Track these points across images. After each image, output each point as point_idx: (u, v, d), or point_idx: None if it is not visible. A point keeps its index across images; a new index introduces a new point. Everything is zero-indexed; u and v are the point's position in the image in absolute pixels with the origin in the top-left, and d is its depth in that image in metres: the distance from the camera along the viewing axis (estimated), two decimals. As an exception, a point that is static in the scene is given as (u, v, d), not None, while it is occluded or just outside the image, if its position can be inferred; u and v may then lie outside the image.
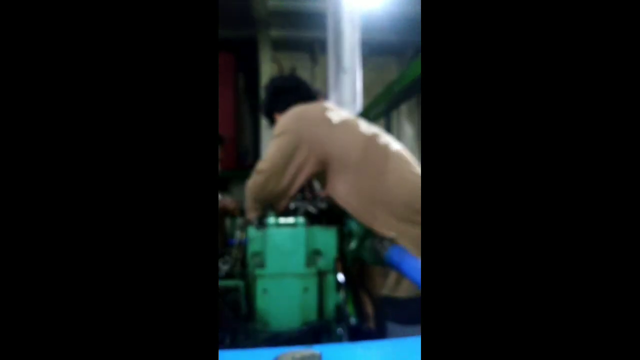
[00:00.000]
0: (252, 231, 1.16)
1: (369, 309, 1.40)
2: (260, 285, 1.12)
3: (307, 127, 1.33)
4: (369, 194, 1.27)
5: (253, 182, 1.34)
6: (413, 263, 1.02)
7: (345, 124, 1.35)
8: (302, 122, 1.35)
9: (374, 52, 5.40)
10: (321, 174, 1.35)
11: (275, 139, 1.34)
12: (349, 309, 1.28)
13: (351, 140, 1.32)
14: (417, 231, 1.22)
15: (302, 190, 1.45)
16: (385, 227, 1.22)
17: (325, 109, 1.39)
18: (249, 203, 1.37)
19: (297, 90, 1.55)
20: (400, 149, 1.39)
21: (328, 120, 1.34)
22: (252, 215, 1.33)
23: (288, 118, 1.37)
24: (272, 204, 1.35)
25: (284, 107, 1.49)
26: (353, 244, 1.28)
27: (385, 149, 1.34)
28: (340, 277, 1.20)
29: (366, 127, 1.39)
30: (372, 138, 1.35)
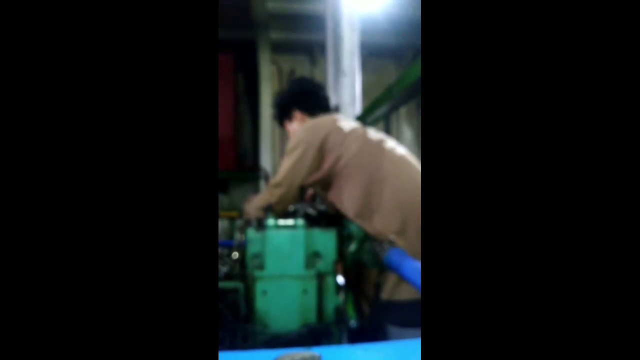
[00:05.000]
0: (252, 233, 1.16)
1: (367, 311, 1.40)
2: (259, 287, 1.11)
3: (319, 136, 1.37)
4: (376, 198, 1.30)
5: (271, 195, 1.38)
6: (412, 265, 1.02)
7: (355, 132, 1.40)
8: (314, 133, 1.39)
9: (373, 54, 5.41)
10: (325, 180, 1.37)
11: (289, 154, 1.39)
12: (349, 311, 1.28)
13: (361, 146, 1.36)
14: (417, 236, 1.24)
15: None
16: (388, 231, 1.23)
17: (335, 120, 1.45)
18: (253, 209, 1.39)
19: (319, 98, 1.63)
20: (405, 153, 1.43)
21: (340, 129, 1.39)
22: (255, 214, 1.35)
23: (300, 132, 1.43)
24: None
25: (303, 107, 1.57)
26: (352, 246, 1.28)
27: (391, 153, 1.38)
28: (340, 279, 1.20)
29: (374, 133, 1.45)
30: (380, 144, 1.40)
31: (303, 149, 1.36)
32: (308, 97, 1.61)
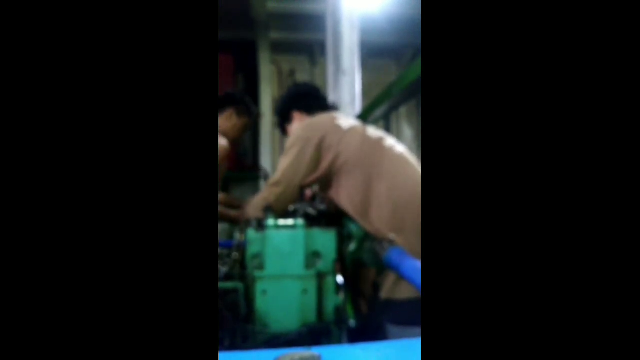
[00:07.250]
0: (251, 233, 1.16)
1: (365, 310, 1.40)
2: (259, 287, 1.11)
3: (318, 134, 1.37)
4: (374, 196, 1.29)
5: (270, 194, 1.38)
6: (412, 265, 1.02)
7: (354, 130, 1.40)
8: (312, 130, 1.39)
9: (373, 54, 5.41)
10: (325, 178, 1.37)
11: (287, 152, 1.39)
12: (349, 310, 1.28)
13: (360, 144, 1.36)
14: (414, 234, 1.24)
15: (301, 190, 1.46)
16: (385, 228, 1.23)
17: (334, 118, 1.45)
18: (253, 209, 1.39)
19: (317, 98, 1.64)
20: (404, 151, 1.43)
21: (338, 127, 1.39)
22: (255, 215, 1.35)
23: (299, 130, 1.43)
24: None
25: (301, 107, 1.58)
26: (352, 246, 1.28)
27: (390, 151, 1.38)
28: (340, 279, 1.20)
29: (373, 131, 1.45)
30: (379, 141, 1.39)
31: (301, 146, 1.36)
32: (305, 98, 1.62)
